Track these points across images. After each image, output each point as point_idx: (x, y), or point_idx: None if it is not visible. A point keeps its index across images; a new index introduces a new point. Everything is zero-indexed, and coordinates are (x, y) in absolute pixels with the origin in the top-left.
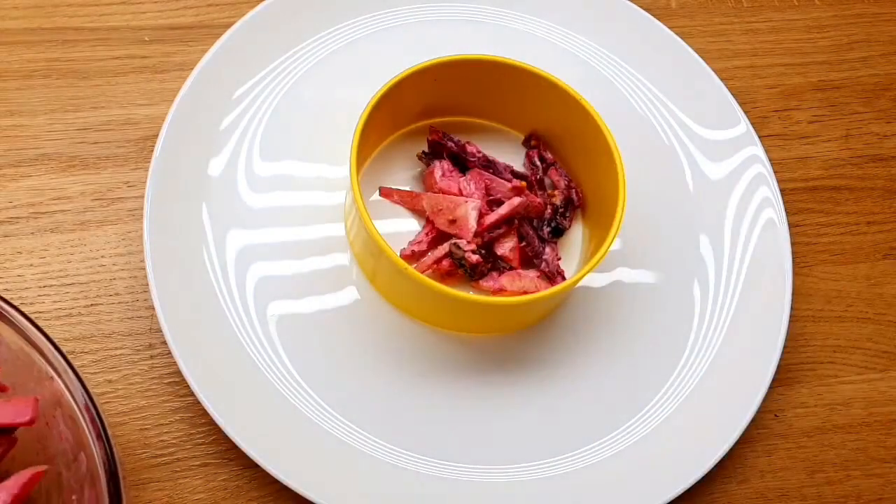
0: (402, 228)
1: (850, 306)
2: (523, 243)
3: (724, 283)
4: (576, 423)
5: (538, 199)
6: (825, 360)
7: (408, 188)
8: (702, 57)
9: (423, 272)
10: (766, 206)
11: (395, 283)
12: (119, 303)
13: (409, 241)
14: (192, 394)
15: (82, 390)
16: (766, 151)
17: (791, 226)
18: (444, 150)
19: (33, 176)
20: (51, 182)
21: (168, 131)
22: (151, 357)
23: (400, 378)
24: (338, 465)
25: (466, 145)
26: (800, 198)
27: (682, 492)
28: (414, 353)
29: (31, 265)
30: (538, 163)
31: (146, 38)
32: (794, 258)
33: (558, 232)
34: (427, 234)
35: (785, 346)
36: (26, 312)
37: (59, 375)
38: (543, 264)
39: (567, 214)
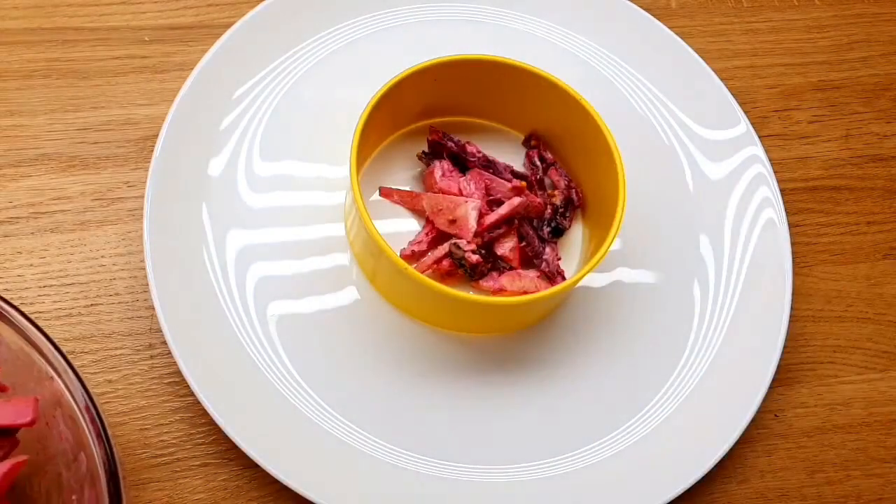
0: (402, 228)
1: (850, 306)
2: (523, 243)
3: (724, 283)
4: (576, 423)
5: (538, 199)
6: (825, 360)
7: (408, 188)
8: (702, 57)
9: (423, 272)
10: (766, 206)
11: (395, 283)
12: (119, 303)
13: (409, 241)
14: (192, 394)
15: (82, 390)
16: (766, 151)
17: (791, 226)
18: (444, 150)
19: (33, 176)
20: (51, 182)
21: (168, 131)
22: (151, 357)
23: (400, 378)
24: (338, 465)
25: (466, 145)
26: (800, 198)
27: (682, 492)
28: (414, 353)
29: (31, 265)
30: (538, 163)
31: (146, 38)
32: (794, 258)
33: (558, 232)
34: (427, 234)
35: (785, 346)
36: (26, 312)
37: (59, 375)
38: (543, 264)
39: (567, 214)
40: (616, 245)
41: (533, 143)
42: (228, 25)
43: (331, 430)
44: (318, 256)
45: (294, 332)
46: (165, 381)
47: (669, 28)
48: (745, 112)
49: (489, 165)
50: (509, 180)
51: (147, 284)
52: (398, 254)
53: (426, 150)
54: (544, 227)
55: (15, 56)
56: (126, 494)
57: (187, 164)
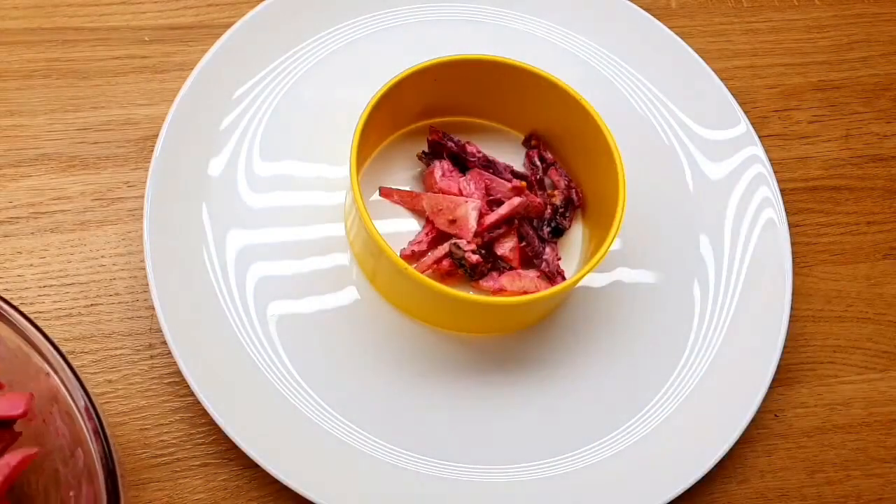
0: (402, 228)
1: (850, 306)
2: (523, 243)
3: (724, 283)
4: (576, 423)
5: (538, 199)
6: (825, 360)
7: (408, 188)
8: (702, 57)
9: (423, 272)
10: (766, 206)
11: (395, 283)
12: (119, 303)
13: (409, 241)
14: (192, 394)
15: (79, 386)
16: (766, 151)
17: (791, 226)
18: (444, 150)
19: (33, 176)
20: (51, 182)
21: (168, 131)
22: (151, 357)
23: (400, 378)
24: (338, 465)
25: (466, 145)
26: (800, 198)
27: (682, 492)
28: (414, 353)
29: (31, 265)
30: (538, 163)
31: (146, 38)
32: (794, 258)
33: (558, 232)
34: (427, 234)
35: (785, 346)
36: (26, 312)
37: (56, 372)
38: (543, 264)
39: (567, 214)
40: (616, 245)
41: (533, 143)
42: (228, 25)
43: (331, 430)
44: (318, 256)
45: (294, 332)
46: (165, 381)
47: (669, 28)
48: (745, 112)
49: (489, 165)
50: (509, 180)
51: (147, 284)
52: (398, 254)
53: (426, 150)
54: (544, 227)
55: (15, 56)
56: (124, 491)
57: (187, 164)
